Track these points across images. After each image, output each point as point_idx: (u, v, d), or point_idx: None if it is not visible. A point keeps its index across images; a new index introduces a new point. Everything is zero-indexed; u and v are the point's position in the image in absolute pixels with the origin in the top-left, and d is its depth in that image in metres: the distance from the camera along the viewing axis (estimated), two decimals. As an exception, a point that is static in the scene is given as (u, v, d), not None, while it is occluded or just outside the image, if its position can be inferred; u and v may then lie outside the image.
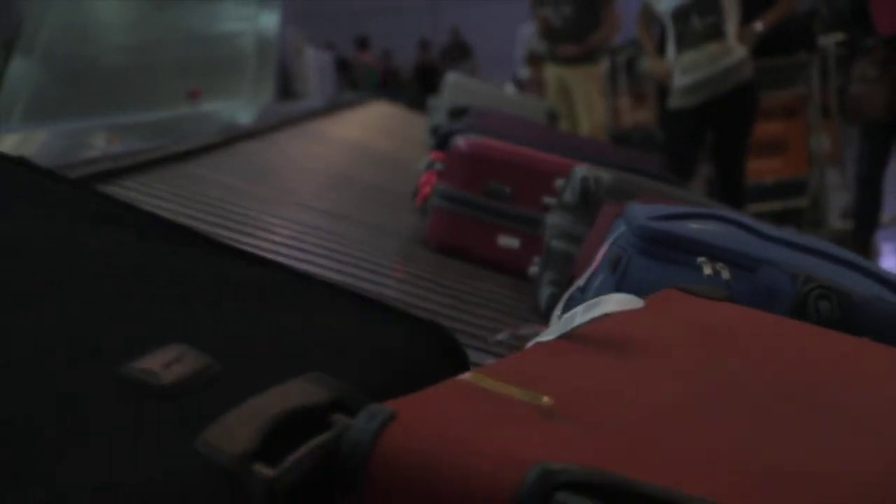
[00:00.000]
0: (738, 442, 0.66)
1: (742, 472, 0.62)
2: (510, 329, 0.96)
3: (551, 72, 5.70)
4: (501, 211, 2.05)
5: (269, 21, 6.10)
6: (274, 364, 0.71)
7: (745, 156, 4.47)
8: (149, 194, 2.00)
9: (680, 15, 4.23)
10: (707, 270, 0.99)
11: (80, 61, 5.43)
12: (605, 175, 1.69)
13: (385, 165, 3.92)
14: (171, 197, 2.02)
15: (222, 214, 1.95)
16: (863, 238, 4.42)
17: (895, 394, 0.80)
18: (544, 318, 1.50)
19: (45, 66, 5.14)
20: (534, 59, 7.41)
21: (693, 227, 1.16)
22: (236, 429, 0.62)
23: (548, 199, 1.84)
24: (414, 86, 11.67)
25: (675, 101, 4.32)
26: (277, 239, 1.92)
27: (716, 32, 4.18)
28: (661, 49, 4.51)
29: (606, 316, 0.80)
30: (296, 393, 0.67)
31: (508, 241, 2.01)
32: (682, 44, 4.24)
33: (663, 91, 4.67)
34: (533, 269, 1.78)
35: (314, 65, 8.86)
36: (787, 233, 1.28)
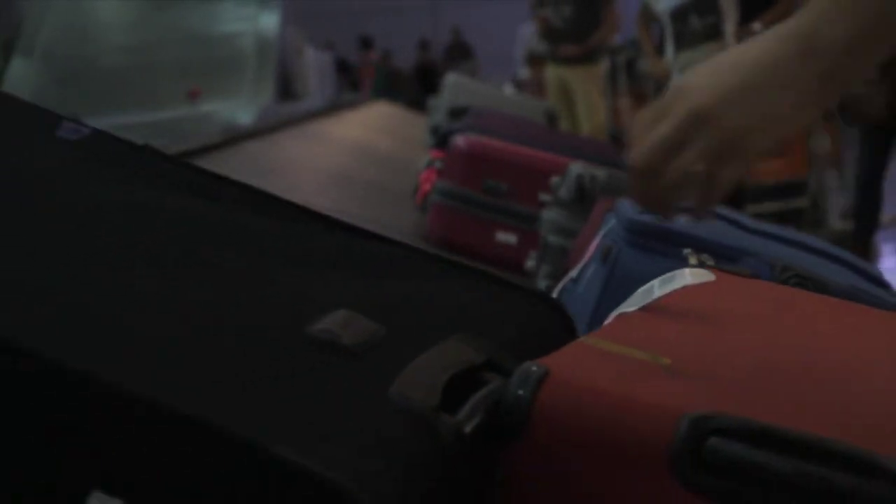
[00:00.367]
0: (835, 394, 0.72)
1: (857, 417, 0.67)
2: None
3: (551, 72, 5.70)
4: (499, 207, 2.09)
5: (269, 21, 6.10)
6: (424, 328, 0.77)
7: (745, 156, 4.47)
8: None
9: (679, 15, 4.23)
10: (692, 261, 1.04)
11: (80, 61, 5.44)
12: (600, 172, 1.75)
13: (385, 164, 3.92)
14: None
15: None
16: (863, 238, 4.42)
17: None
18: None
19: (45, 66, 5.15)
20: (533, 60, 7.41)
21: (680, 220, 1.22)
22: (422, 383, 0.69)
23: (544, 196, 1.88)
24: (414, 86, 11.67)
25: (674, 102, 4.32)
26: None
27: (714, 33, 4.19)
28: (660, 49, 4.51)
29: (685, 288, 0.86)
30: (456, 353, 0.74)
31: (506, 237, 2.04)
32: (681, 44, 4.24)
33: (662, 91, 4.67)
34: (530, 264, 1.81)
35: (314, 65, 8.86)
36: (769, 226, 1.34)
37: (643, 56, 5.21)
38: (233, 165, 2.65)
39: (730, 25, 4.21)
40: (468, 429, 0.67)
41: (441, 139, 2.33)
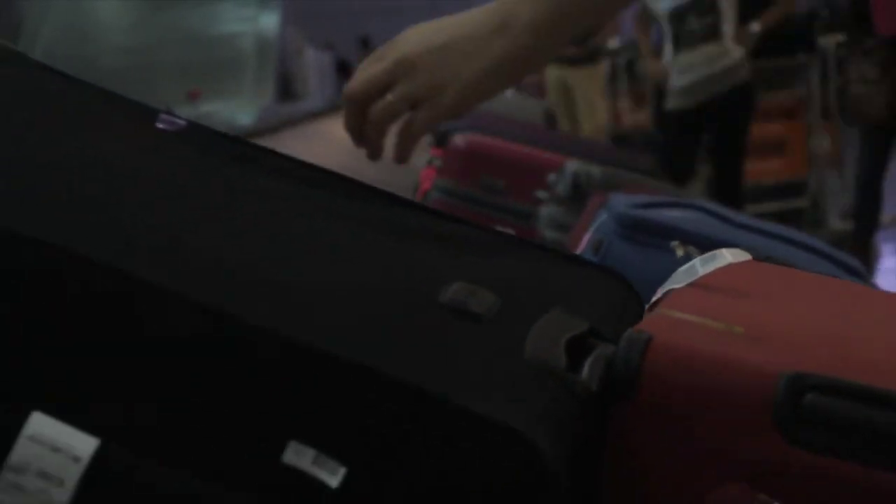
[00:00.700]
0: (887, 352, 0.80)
1: None
2: None
3: (552, 73, 5.70)
4: (497, 204, 2.11)
5: (269, 22, 6.11)
6: (529, 299, 0.83)
7: (743, 156, 4.48)
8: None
9: (677, 15, 4.23)
10: (679, 252, 1.10)
11: (80, 62, 5.44)
12: (595, 170, 1.81)
13: (386, 163, 3.92)
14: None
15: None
16: (863, 239, 4.42)
17: None
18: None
19: (45, 66, 5.14)
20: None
21: (667, 214, 1.31)
22: (547, 346, 0.76)
23: (540, 193, 1.92)
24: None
25: (672, 102, 4.33)
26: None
27: (713, 33, 4.19)
28: (658, 50, 4.52)
29: (728, 266, 0.92)
30: (563, 322, 0.80)
31: (504, 233, 2.09)
32: (680, 44, 4.24)
33: (660, 92, 4.68)
34: (527, 259, 1.84)
35: (314, 65, 8.87)
36: (752, 220, 1.43)
37: (644, 57, 5.22)
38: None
39: (728, 26, 4.22)
40: (594, 388, 0.74)
41: (440, 138, 2.37)
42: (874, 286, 1.34)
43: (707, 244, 1.20)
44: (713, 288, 0.90)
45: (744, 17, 4.29)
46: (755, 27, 4.32)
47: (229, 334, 0.68)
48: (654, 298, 0.91)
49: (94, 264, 0.68)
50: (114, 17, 5.88)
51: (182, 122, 0.90)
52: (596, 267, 0.95)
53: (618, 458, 0.75)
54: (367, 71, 0.88)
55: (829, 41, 5.78)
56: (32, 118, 0.87)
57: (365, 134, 0.91)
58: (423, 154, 2.67)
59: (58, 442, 0.66)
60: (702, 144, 4.49)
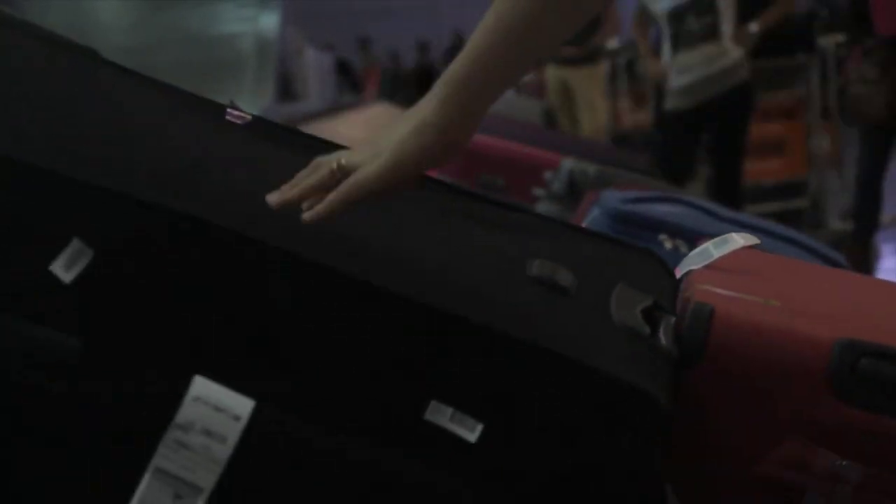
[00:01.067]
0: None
1: None
2: None
3: (552, 73, 5.70)
4: (494, 202, 2.16)
5: (269, 22, 6.11)
6: (597, 276, 0.91)
7: (743, 156, 4.47)
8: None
9: (676, 16, 4.23)
10: (668, 245, 1.17)
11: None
12: (590, 168, 1.88)
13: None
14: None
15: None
16: (863, 239, 4.41)
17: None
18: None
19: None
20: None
21: (657, 208, 1.39)
22: (632, 316, 0.84)
23: (537, 190, 1.95)
24: (413, 87, 11.66)
25: (671, 103, 4.33)
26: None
27: (712, 33, 4.19)
28: (658, 50, 4.51)
29: (742, 248, 0.99)
30: (632, 295, 0.88)
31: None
32: (678, 44, 4.24)
33: (661, 93, 4.68)
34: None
35: (314, 66, 8.87)
36: (737, 214, 1.53)
37: (641, 57, 5.21)
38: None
39: (727, 26, 4.21)
40: (675, 353, 0.81)
41: None
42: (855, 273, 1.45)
43: (693, 237, 1.28)
44: (729, 269, 0.96)
45: (743, 17, 4.29)
46: (754, 27, 4.31)
47: (375, 303, 0.73)
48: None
49: (247, 240, 0.74)
50: (114, 17, 5.87)
51: (248, 117, 0.96)
52: (634, 247, 1.02)
53: (685, 417, 0.81)
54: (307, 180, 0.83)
55: (829, 41, 5.77)
56: (144, 110, 0.94)
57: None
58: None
59: (219, 402, 0.71)
60: (701, 144, 4.49)
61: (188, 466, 0.71)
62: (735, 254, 0.98)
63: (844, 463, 0.81)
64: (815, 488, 0.82)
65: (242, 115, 0.97)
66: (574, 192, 1.81)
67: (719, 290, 0.88)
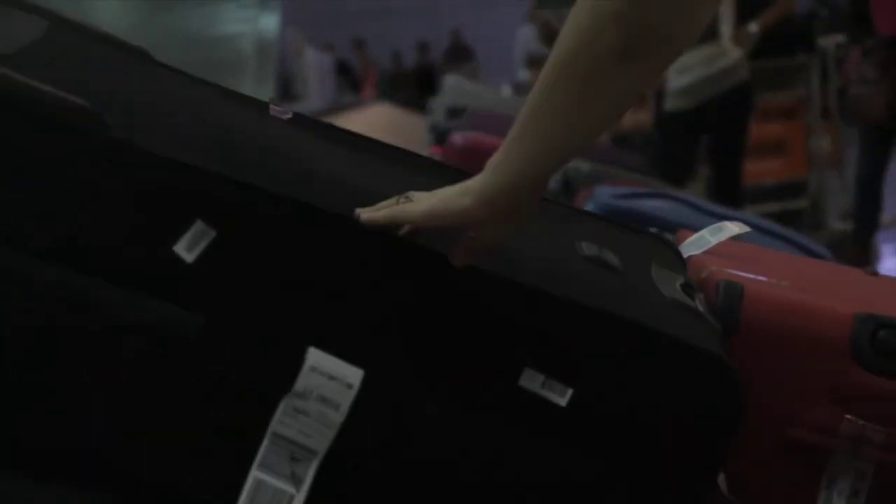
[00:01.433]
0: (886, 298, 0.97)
1: None
2: None
3: (551, 73, 5.69)
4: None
5: (269, 23, 6.10)
6: (633, 256, 0.97)
7: (742, 157, 4.48)
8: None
9: (676, 16, 4.22)
10: None
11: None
12: (584, 165, 1.94)
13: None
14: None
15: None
16: (862, 239, 4.41)
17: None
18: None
19: (45, 67, 5.13)
20: (533, 62, 7.40)
21: (646, 203, 1.49)
22: (677, 292, 0.91)
23: None
24: (413, 87, 11.66)
25: (671, 103, 4.33)
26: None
27: (711, 34, 4.18)
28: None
29: (738, 235, 1.05)
30: (667, 273, 0.96)
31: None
32: (679, 44, 4.23)
33: (661, 93, 4.68)
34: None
35: (314, 66, 8.87)
36: (723, 209, 1.60)
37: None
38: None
39: (726, 26, 4.21)
40: (720, 326, 0.87)
41: (440, 136, 2.47)
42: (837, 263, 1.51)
43: (680, 230, 1.31)
44: (727, 255, 1.02)
45: (742, 18, 4.29)
46: (754, 27, 4.31)
47: (476, 284, 0.81)
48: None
49: (351, 225, 0.81)
50: (114, 17, 5.87)
51: (289, 112, 1.02)
52: (646, 232, 1.10)
53: None
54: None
55: (829, 41, 5.77)
56: (216, 103, 1.01)
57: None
58: (423, 153, 2.68)
59: (333, 372, 0.77)
60: (701, 145, 4.49)
61: (304, 431, 0.77)
62: (728, 243, 1.04)
63: (868, 426, 0.89)
64: (841, 450, 0.91)
65: (284, 111, 1.03)
66: (569, 188, 1.88)
67: (731, 272, 0.95)
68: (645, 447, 0.82)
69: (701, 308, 0.91)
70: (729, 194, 4.25)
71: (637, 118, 7.17)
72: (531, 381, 0.80)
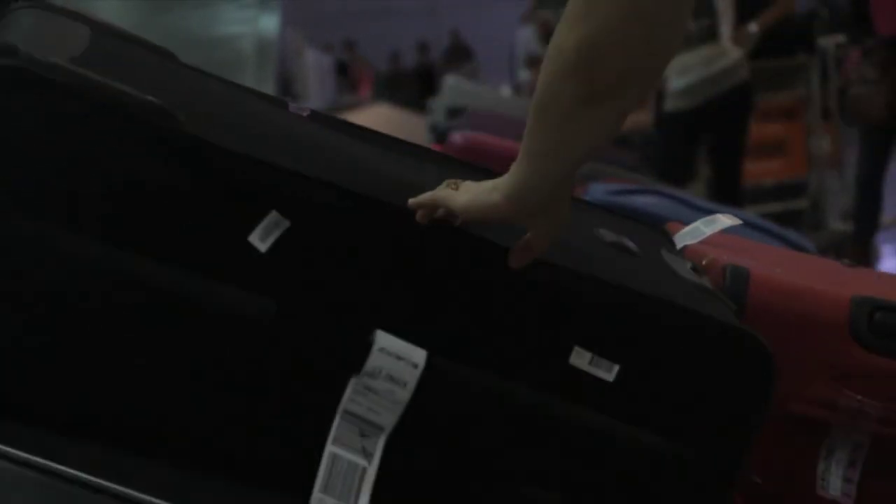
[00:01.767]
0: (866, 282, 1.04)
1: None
2: None
3: (551, 74, 5.69)
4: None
5: (269, 23, 6.10)
6: (641, 242, 1.02)
7: (742, 157, 4.48)
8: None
9: (676, 16, 4.22)
10: None
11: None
12: None
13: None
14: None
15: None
16: (863, 240, 4.41)
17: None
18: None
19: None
20: (533, 62, 7.41)
21: (637, 199, 1.55)
22: (692, 273, 0.98)
23: None
24: (414, 88, 11.67)
25: (671, 104, 4.33)
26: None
27: (711, 34, 4.19)
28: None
29: (731, 227, 1.09)
30: (674, 258, 1.02)
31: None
32: (678, 45, 4.23)
33: (660, 94, 4.68)
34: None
35: (314, 67, 8.87)
36: (712, 205, 1.71)
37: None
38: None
39: (726, 27, 4.21)
40: (734, 306, 0.93)
41: (440, 135, 2.51)
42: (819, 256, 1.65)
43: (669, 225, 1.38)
44: (721, 245, 1.06)
45: (742, 18, 4.29)
46: (753, 28, 4.31)
47: (531, 270, 0.86)
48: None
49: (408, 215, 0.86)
50: (114, 18, 5.85)
51: (307, 109, 1.07)
52: (643, 221, 1.16)
53: None
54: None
55: (829, 41, 5.77)
56: (240, 102, 1.05)
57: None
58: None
59: (400, 352, 0.83)
60: (701, 145, 4.49)
61: (373, 409, 0.82)
62: (719, 235, 1.08)
63: (865, 401, 0.96)
64: (840, 423, 0.97)
65: (302, 108, 1.07)
66: None
67: (714, 257, 1.00)
68: (688, 418, 0.89)
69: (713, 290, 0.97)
70: (729, 194, 4.26)
71: (637, 118, 7.17)
72: (580, 358, 0.86)
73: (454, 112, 3.29)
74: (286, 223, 0.84)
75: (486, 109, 3.23)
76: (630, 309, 0.88)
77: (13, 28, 0.91)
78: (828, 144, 5.84)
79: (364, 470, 0.82)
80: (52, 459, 0.78)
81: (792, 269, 1.03)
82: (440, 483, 0.87)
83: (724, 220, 1.07)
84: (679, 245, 1.08)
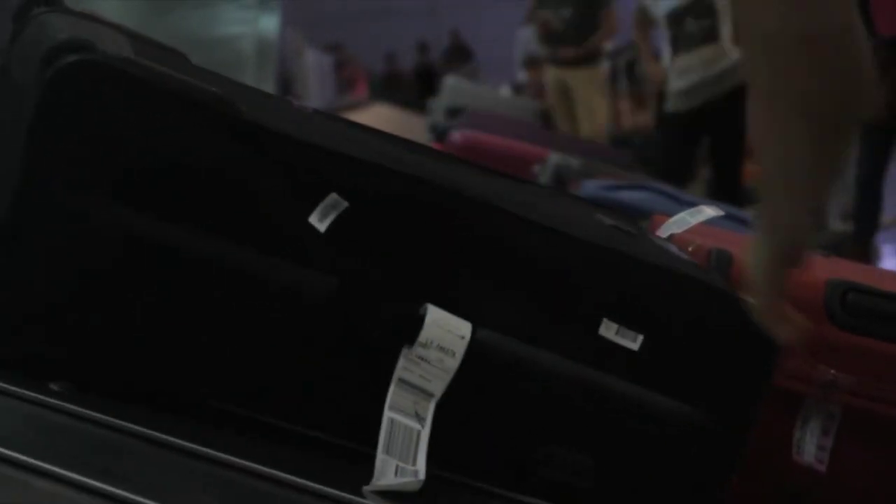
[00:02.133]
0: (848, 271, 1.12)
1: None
2: None
3: (552, 74, 5.71)
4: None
5: (269, 24, 6.10)
6: (630, 226, 1.08)
7: (743, 158, 4.48)
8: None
9: (675, 18, 4.23)
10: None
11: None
12: (575, 161, 2.10)
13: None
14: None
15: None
16: (863, 240, 4.41)
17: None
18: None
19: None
20: (532, 62, 7.41)
21: (628, 195, 1.62)
22: (685, 255, 1.03)
23: None
24: (414, 88, 11.68)
25: (671, 104, 4.34)
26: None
27: (711, 35, 4.19)
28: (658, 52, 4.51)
29: (715, 217, 1.15)
30: (666, 243, 1.07)
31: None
32: (678, 47, 4.25)
33: (661, 95, 4.69)
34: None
35: (314, 67, 8.87)
36: (698, 199, 1.75)
37: (640, 59, 5.22)
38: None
39: (726, 28, 4.22)
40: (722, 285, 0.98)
41: (440, 134, 2.55)
42: None
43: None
44: (705, 234, 1.11)
45: (742, 18, 4.29)
46: (754, 28, 4.31)
47: (560, 247, 0.94)
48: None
49: (456, 195, 0.93)
50: (114, 18, 5.86)
51: (310, 108, 1.12)
52: (626, 213, 1.22)
53: None
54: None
55: (829, 42, 5.76)
56: (258, 99, 1.07)
57: None
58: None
59: (448, 325, 0.90)
60: (702, 146, 4.50)
61: (425, 377, 0.89)
62: (703, 226, 1.14)
63: (838, 374, 1.05)
64: (813, 395, 1.07)
65: (305, 105, 1.10)
66: (559, 182, 2.02)
67: (701, 243, 1.06)
68: (707, 386, 0.96)
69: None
70: (729, 195, 4.26)
71: (637, 119, 7.18)
72: (608, 329, 0.94)
73: (454, 112, 3.30)
74: (344, 204, 0.89)
75: (485, 109, 3.24)
76: (652, 282, 0.95)
77: (54, 28, 0.93)
78: (828, 145, 5.82)
79: (419, 433, 0.88)
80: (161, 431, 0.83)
81: None
82: (483, 442, 0.95)
83: (709, 211, 1.13)
84: (666, 234, 1.14)
